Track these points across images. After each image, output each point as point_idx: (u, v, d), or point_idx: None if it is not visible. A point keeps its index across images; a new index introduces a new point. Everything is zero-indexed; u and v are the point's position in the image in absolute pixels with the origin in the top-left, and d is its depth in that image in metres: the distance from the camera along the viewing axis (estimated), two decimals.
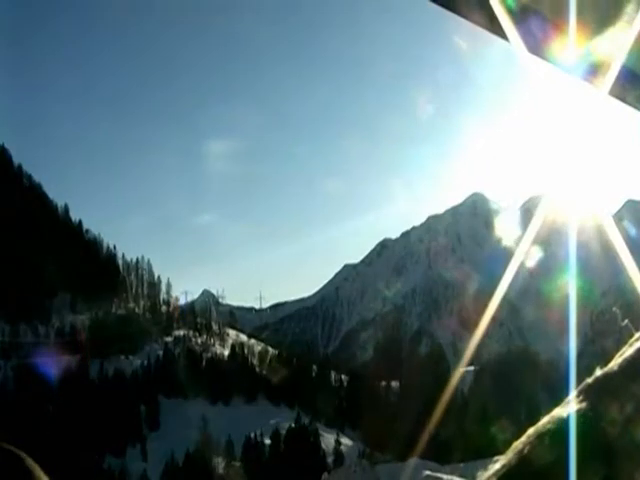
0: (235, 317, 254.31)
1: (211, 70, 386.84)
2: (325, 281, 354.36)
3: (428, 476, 44.15)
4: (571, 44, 1.44)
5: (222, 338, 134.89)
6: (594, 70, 1.57)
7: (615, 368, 1.06)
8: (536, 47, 1.49)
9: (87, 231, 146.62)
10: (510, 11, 1.41)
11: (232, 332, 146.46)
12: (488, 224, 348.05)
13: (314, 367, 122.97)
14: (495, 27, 1.43)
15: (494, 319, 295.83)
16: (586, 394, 1.04)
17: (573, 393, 1.04)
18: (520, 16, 1.44)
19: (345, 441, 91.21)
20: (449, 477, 44.57)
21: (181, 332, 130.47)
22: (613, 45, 1.48)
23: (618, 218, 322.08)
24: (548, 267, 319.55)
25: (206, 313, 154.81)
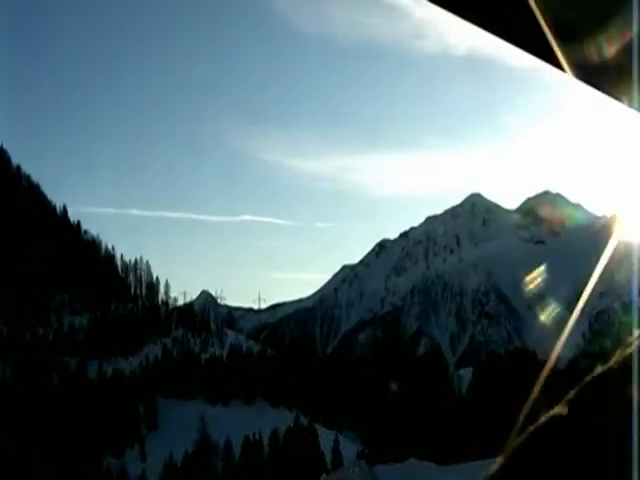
0: (234, 318, 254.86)
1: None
2: (324, 282, 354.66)
3: None
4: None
5: (221, 339, 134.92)
6: None
7: (613, 368, 1.06)
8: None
9: (86, 232, 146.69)
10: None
11: (231, 333, 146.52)
12: (487, 224, 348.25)
13: (313, 368, 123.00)
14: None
15: (492, 320, 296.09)
16: (584, 394, 1.04)
17: (571, 393, 1.04)
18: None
19: (344, 442, 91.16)
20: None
21: (179, 333, 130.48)
22: None
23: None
24: (546, 267, 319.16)
25: (205, 313, 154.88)
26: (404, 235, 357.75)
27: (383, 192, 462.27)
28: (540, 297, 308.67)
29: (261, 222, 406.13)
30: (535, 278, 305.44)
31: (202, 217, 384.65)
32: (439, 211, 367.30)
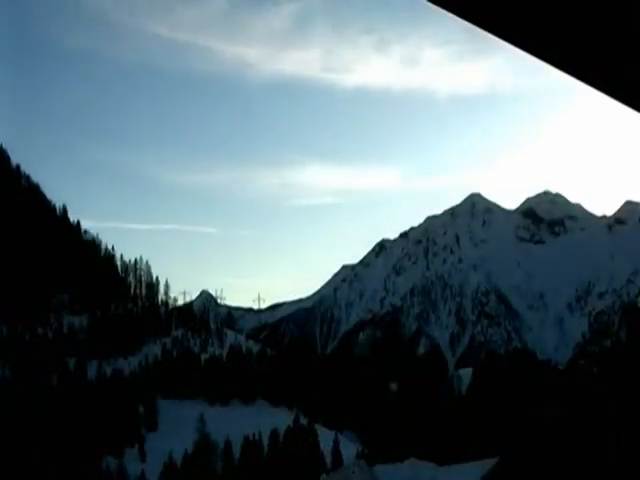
0: (233, 317, 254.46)
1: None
2: (323, 282, 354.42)
3: None
4: None
5: (220, 339, 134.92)
6: None
7: (608, 370, 1.17)
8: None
9: (85, 232, 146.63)
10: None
11: (230, 332, 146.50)
12: (486, 225, 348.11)
13: (313, 368, 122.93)
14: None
15: (492, 320, 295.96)
16: (580, 395, 1.19)
17: (567, 394, 1.13)
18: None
19: (344, 442, 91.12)
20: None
21: (179, 333, 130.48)
22: None
23: (617, 219, 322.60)
24: (546, 267, 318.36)
25: (204, 313, 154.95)
26: (404, 235, 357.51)
27: (286, 202, 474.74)
28: (540, 297, 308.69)
29: (189, 230, 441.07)
30: (535, 278, 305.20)
31: (132, 226, 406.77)
32: (439, 211, 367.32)
